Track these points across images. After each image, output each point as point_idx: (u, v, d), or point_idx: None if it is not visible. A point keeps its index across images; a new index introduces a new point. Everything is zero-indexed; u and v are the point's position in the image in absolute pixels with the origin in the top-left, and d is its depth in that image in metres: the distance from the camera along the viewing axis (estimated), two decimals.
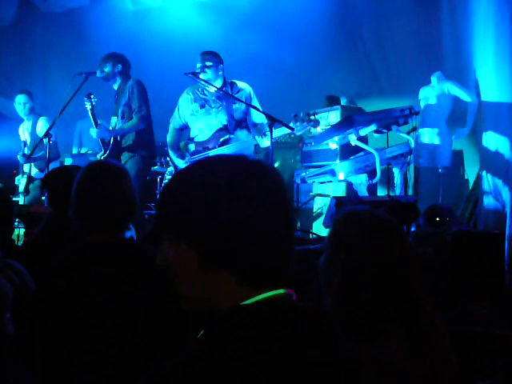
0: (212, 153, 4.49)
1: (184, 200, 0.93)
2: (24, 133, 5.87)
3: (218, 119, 4.55)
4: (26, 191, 5.77)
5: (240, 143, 4.45)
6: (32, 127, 5.77)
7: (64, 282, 1.75)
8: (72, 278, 1.75)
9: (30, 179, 5.77)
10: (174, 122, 4.82)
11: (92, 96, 4.69)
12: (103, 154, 4.73)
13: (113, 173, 1.86)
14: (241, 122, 4.58)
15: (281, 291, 0.94)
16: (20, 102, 5.74)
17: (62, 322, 1.71)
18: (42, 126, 5.70)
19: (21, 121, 5.96)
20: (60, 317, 1.71)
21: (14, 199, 5.55)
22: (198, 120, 4.63)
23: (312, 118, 4.23)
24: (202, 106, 4.60)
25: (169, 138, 4.84)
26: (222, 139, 4.49)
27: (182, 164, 4.68)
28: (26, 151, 5.62)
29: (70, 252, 1.85)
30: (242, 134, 4.54)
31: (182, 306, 0.98)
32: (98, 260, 1.77)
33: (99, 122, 4.79)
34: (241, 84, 4.64)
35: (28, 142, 5.75)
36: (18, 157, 5.63)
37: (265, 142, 4.44)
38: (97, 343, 1.69)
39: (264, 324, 0.89)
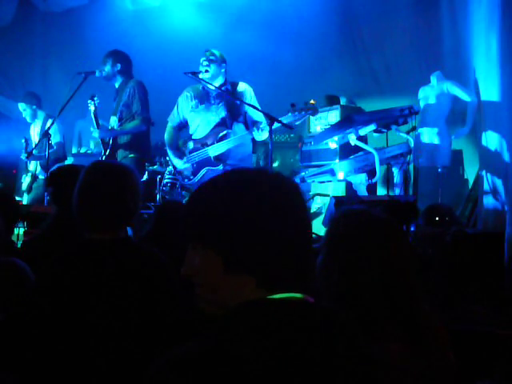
0: (210, 149, 4.52)
1: (213, 211, 1.00)
2: (34, 134, 5.87)
3: (217, 114, 4.56)
4: (29, 190, 5.77)
5: (238, 138, 4.46)
6: (41, 128, 5.73)
7: (61, 280, 1.75)
8: (69, 276, 1.76)
9: (34, 178, 5.77)
10: (172, 120, 4.81)
11: (95, 98, 4.72)
12: (103, 154, 4.74)
13: (114, 172, 1.88)
14: (238, 117, 4.58)
15: (298, 295, 1.00)
16: (21, 111, 5.79)
17: (58, 320, 1.71)
18: (52, 127, 5.71)
19: (21, 121, 5.95)
20: (56, 314, 1.71)
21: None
22: (197, 116, 4.63)
23: (310, 105, 4.20)
24: (202, 102, 4.61)
25: (166, 136, 4.84)
26: (220, 135, 4.50)
27: (180, 164, 4.67)
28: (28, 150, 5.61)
29: (68, 250, 1.86)
30: (239, 128, 4.55)
31: (205, 310, 1.03)
32: (95, 258, 1.78)
33: (100, 123, 4.80)
34: (241, 84, 4.64)
35: (36, 142, 5.75)
36: (22, 156, 5.62)
37: (262, 136, 4.43)
38: (93, 341, 1.69)
39: (274, 317, 0.93)
